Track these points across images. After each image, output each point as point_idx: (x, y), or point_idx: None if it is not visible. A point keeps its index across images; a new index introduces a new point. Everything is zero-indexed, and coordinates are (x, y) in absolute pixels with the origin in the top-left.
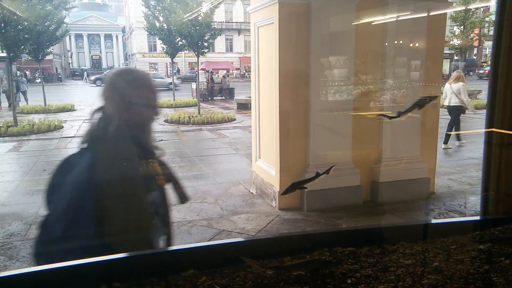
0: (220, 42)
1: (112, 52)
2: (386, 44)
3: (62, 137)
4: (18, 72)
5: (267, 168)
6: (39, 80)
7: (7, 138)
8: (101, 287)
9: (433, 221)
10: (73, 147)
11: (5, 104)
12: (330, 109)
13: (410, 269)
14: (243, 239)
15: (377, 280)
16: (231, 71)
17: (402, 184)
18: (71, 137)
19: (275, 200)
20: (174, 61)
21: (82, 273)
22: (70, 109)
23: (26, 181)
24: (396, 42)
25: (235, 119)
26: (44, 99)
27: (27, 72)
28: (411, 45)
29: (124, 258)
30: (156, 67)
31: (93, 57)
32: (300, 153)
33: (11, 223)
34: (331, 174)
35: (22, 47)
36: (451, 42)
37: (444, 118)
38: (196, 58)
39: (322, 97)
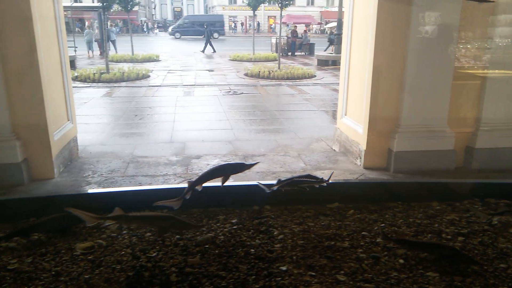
0: None
1: (193, 4)
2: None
3: (149, 86)
4: (109, 22)
5: (353, 125)
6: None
7: (100, 84)
8: (253, 207)
9: None
10: (160, 95)
11: (96, 52)
12: (429, 67)
13: None
14: (388, 180)
15: None
16: (312, 25)
17: (501, 152)
18: (158, 86)
19: (360, 158)
20: (254, 13)
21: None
22: (155, 59)
23: (121, 124)
24: None
25: (315, 76)
26: (132, 48)
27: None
28: None
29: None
30: (235, 20)
31: (175, 9)
32: (391, 112)
33: (111, 160)
34: (424, 136)
35: None
36: None
37: None
38: (279, 11)
39: (420, 53)
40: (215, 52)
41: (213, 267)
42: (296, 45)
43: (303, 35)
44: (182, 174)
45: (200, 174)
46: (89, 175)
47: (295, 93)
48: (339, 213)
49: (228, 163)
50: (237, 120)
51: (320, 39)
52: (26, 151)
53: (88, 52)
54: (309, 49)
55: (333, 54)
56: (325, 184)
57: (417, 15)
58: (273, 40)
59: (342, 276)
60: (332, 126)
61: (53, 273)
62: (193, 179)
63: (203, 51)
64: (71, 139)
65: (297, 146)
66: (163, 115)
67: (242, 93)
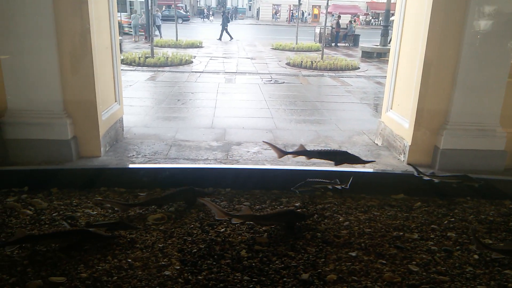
0: None
1: None
2: None
3: (192, 71)
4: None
5: (399, 120)
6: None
7: (145, 68)
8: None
9: None
10: (202, 81)
11: (141, 36)
12: (483, 63)
13: None
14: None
15: None
16: (358, 16)
17: None
18: (200, 72)
19: (404, 154)
20: (299, 2)
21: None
22: (198, 45)
23: (164, 108)
24: None
25: (359, 68)
26: (176, 34)
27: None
28: None
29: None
30: (279, 8)
31: None
32: (440, 108)
33: (154, 142)
34: (473, 134)
35: None
36: None
37: None
38: (324, 0)
39: (475, 48)
40: (232, 39)
41: (281, 247)
42: (340, 36)
43: (348, 25)
44: (222, 159)
45: (314, 149)
46: (133, 155)
47: (338, 85)
48: (405, 204)
49: (347, 152)
50: (277, 109)
51: (365, 30)
52: (75, 129)
53: (134, 36)
54: (354, 40)
55: (379, 47)
56: (347, 187)
57: (474, 9)
58: (317, 30)
59: (415, 267)
60: (375, 120)
61: (128, 240)
62: (306, 147)
63: (220, 39)
64: (118, 120)
65: (338, 138)
66: (204, 100)
67: (284, 83)
